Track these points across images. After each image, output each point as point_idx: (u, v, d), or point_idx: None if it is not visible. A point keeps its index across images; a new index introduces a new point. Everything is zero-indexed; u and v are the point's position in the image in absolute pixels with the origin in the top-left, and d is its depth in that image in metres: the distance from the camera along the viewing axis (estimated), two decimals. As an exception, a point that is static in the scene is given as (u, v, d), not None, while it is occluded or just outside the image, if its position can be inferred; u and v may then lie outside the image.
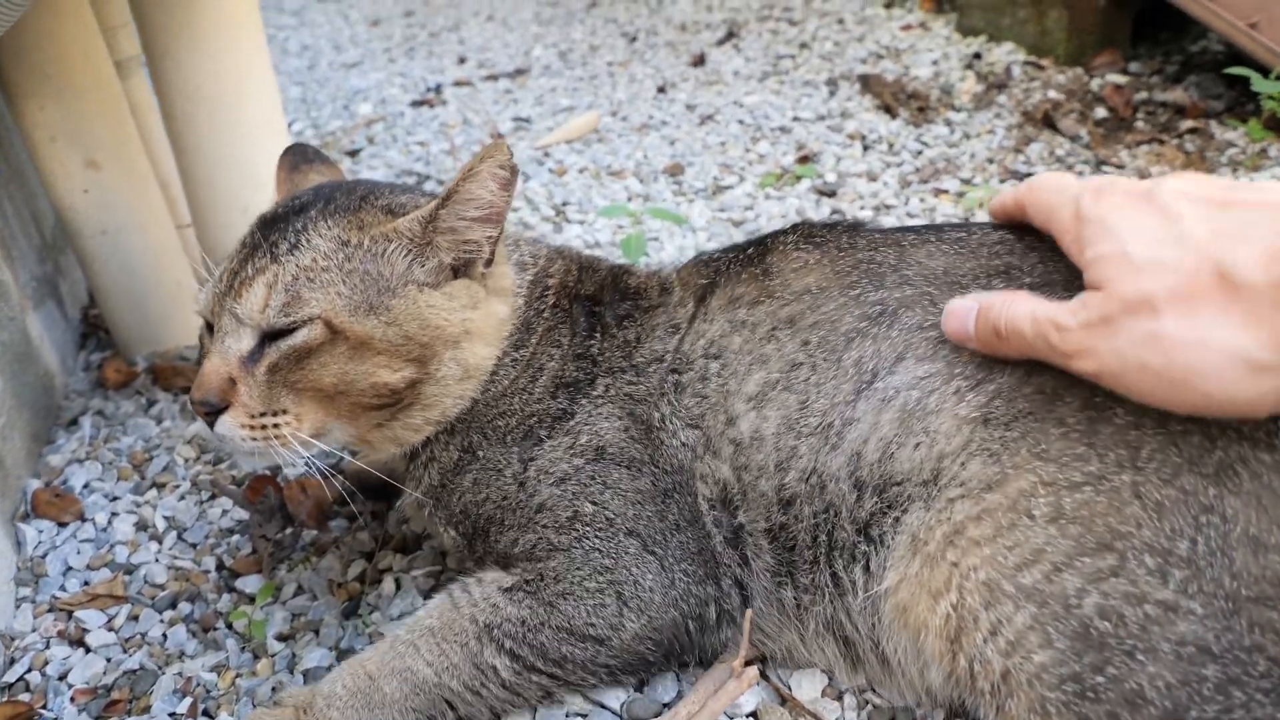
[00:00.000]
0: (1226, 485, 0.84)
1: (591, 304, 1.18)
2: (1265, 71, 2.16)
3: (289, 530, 1.41)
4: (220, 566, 1.38)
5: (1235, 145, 2.21)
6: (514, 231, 1.34)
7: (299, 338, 1.01)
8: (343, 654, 1.18)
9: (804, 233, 1.15)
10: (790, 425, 1.01)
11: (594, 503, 1.04)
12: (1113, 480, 0.86)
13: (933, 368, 0.97)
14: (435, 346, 1.06)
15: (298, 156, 1.33)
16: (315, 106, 3.45)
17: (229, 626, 1.28)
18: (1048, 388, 0.92)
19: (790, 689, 1.03)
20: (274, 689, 1.15)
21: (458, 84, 3.58)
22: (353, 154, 2.93)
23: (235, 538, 1.44)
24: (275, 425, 1.02)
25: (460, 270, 1.10)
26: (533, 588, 1.03)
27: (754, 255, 1.15)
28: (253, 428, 1.02)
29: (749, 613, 1.05)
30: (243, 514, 1.47)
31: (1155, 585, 0.82)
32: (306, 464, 1.06)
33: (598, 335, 1.14)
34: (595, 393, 1.09)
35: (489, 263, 1.11)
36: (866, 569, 0.97)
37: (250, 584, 1.33)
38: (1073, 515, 0.86)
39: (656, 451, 1.06)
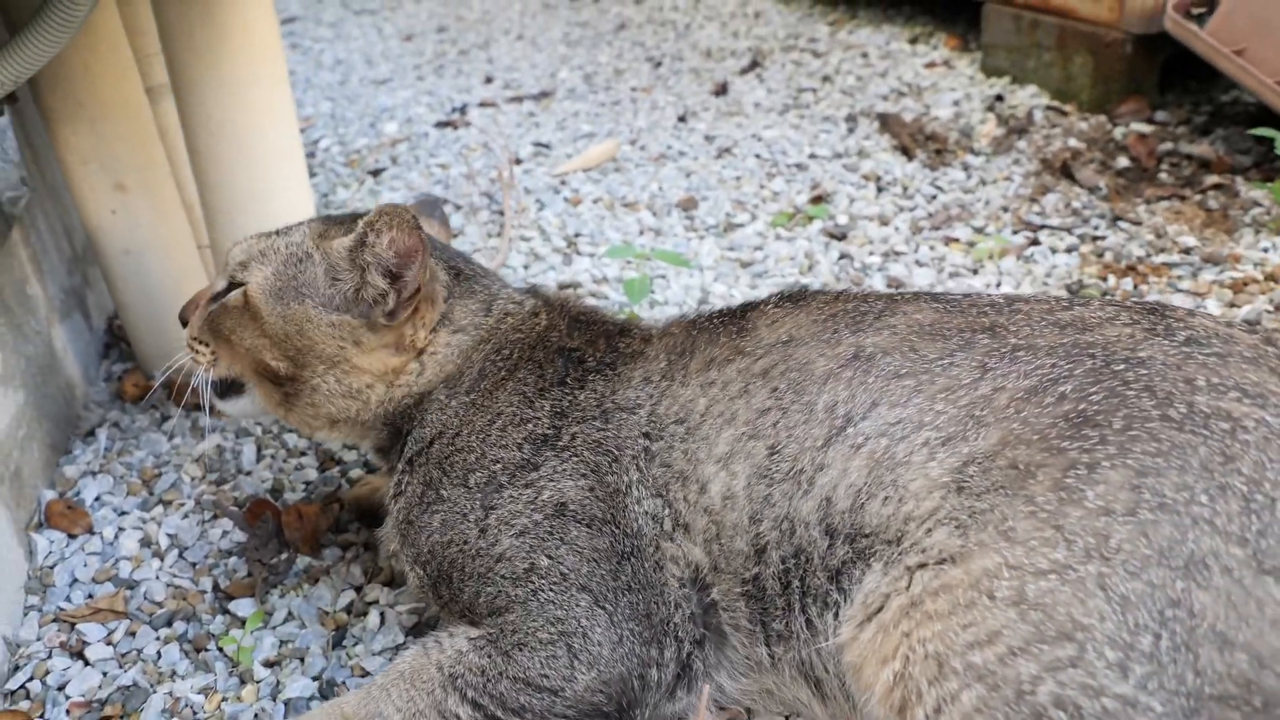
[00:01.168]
0: (1196, 579, 0.83)
1: (575, 355, 1.21)
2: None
3: (284, 555, 1.44)
4: (216, 588, 1.41)
5: (1260, 205, 2.20)
6: (501, 278, 1.37)
7: (231, 296, 1.24)
8: (326, 685, 1.21)
9: (789, 295, 1.18)
10: (761, 473, 1.03)
11: (550, 557, 1.07)
12: (1079, 570, 0.86)
13: (904, 413, 0.98)
14: (308, 358, 1.21)
15: (424, 208, 1.53)
16: (344, 123, 3.50)
17: (220, 649, 1.31)
18: (1021, 462, 0.92)
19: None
20: (256, 716, 1.18)
21: (483, 105, 3.62)
22: (376, 174, 2.98)
23: (233, 559, 1.47)
24: (198, 351, 1.28)
25: (371, 306, 1.19)
26: (494, 638, 1.06)
27: (735, 315, 1.18)
28: (189, 344, 1.30)
29: (705, 690, 1.07)
30: (242, 536, 1.50)
31: (1115, 679, 0.82)
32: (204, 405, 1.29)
33: (569, 385, 1.17)
34: (561, 443, 1.13)
35: (392, 314, 1.19)
36: (836, 616, 0.99)
37: (243, 607, 1.36)
38: (1035, 602, 0.86)
39: (620, 514, 1.09)
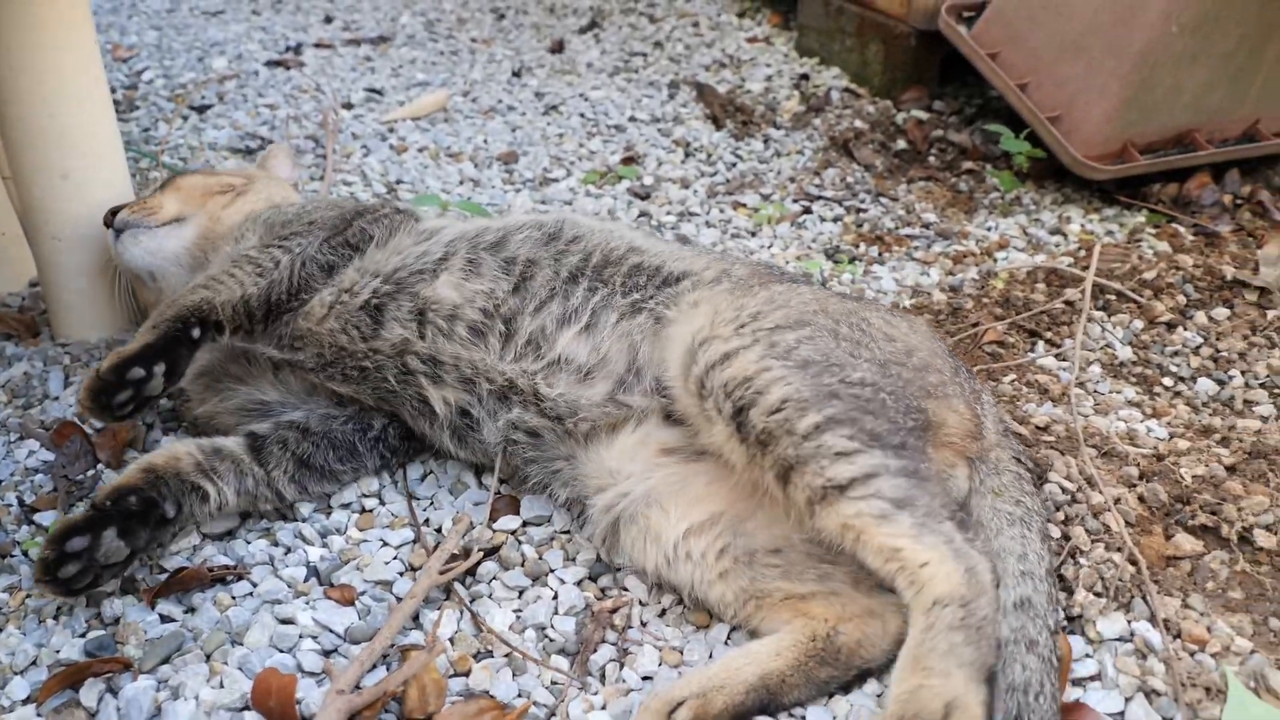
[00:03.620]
0: (871, 309, 1.38)
1: None
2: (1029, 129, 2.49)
3: (90, 472, 1.56)
4: (21, 502, 1.52)
5: (998, 190, 2.54)
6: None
7: None
8: (127, 581, 1.35)
9: None
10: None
11: None
12: (796, 294, 1.38)
13: (694, 258, 1.56)
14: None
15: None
16: (170, 55, 3.47)
17: (24, 554, 1.43)
18: (756, 279, 1.48)
19: (485, 619, 1.25)
20: (59, 608, 1.31)
21: (319, 45, 3.65)
22: (201, 110, 3.00)
23: (39, 476, 1.57)
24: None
25: None
26: None
27: None
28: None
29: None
30: (49, 456, 1.60)
31: (840, 351, 1.26)
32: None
33: None
34: None
35: None
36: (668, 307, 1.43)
37: (49, 519, 1.48)
38: (781, 302, 1.33)
39: None
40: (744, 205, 2.50)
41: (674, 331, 1.36)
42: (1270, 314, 1.87)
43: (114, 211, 1.72)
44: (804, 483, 1.15)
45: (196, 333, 1.44)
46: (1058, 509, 1.36)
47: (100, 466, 1.58)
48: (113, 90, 3.13)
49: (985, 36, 2.58)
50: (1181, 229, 2.30)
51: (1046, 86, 2.46)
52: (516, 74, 3.43)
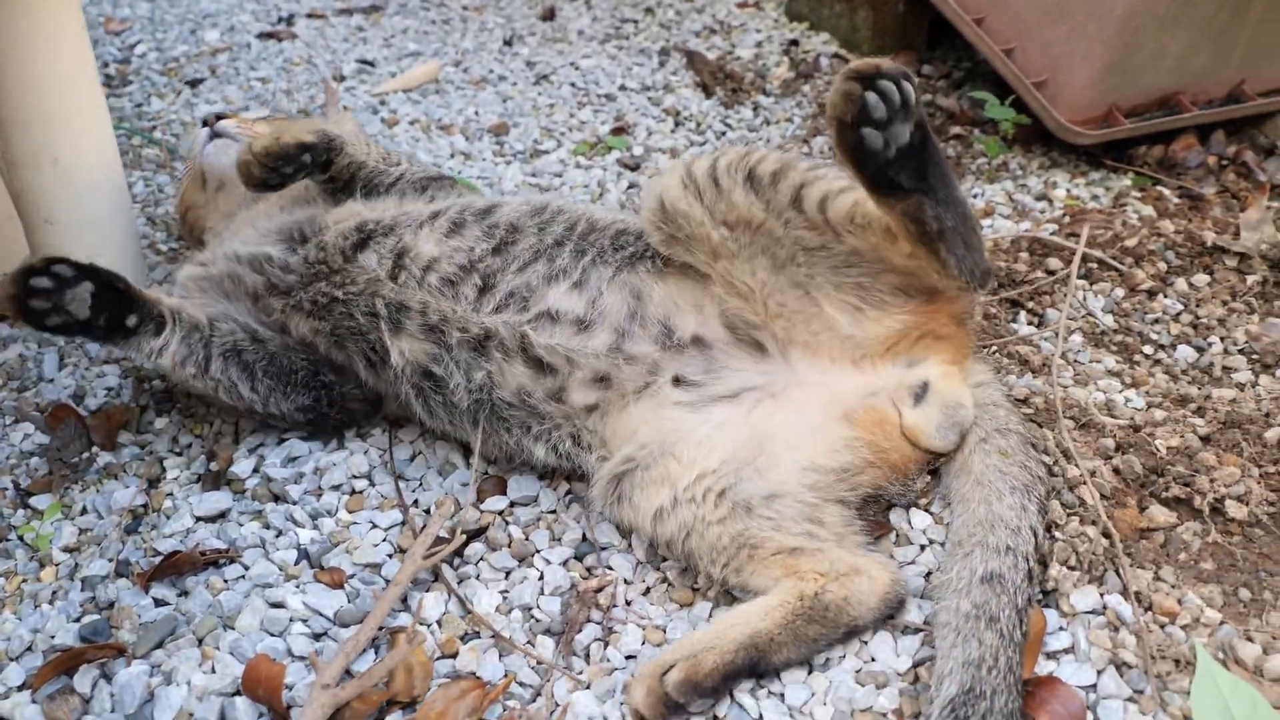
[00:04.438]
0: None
1: None
2: (1009, 97, 2.48)
3: (85, 455, 1.59)
4: (17, 486, 1.55)
5: (985, 156, 2.53)
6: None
7: None
8: (121, 564, 1.38)
9: None
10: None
11: None
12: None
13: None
14: None
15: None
16: (163, 28, 3.45)
17: (20, 539, 1.46)
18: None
19: (471, 602, 1.29)
20: (54, 593, 1.34)
21: (311, 15, 3.63)
22: (194, 84, 3.00)
23: (34, 460, 1.60)
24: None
25: None
26: None
27: None
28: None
29: None
30: (44, 439, 1.63)
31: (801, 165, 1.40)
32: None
33: None
34: None
35: None
36: None
37: (44, 502, 1.51)
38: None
39: None
40: (733, 176, 2.50)
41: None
42: (1250, 279, 1.88)
43: (219, 116, 1.93)
44: (814, 194, 1.32)
45: (319, 156, 1.67)
46: (1033, 482, 1.39)
47: (95, 449, 1.61)
48: (105, 65, 3.13)
49: (970, 1, 2.56)
50: (1166, 191, 2.30)
51: (1031, 51, 2.44)
52: (508, 43, 3.41)
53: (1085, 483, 1.35)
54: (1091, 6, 2.29)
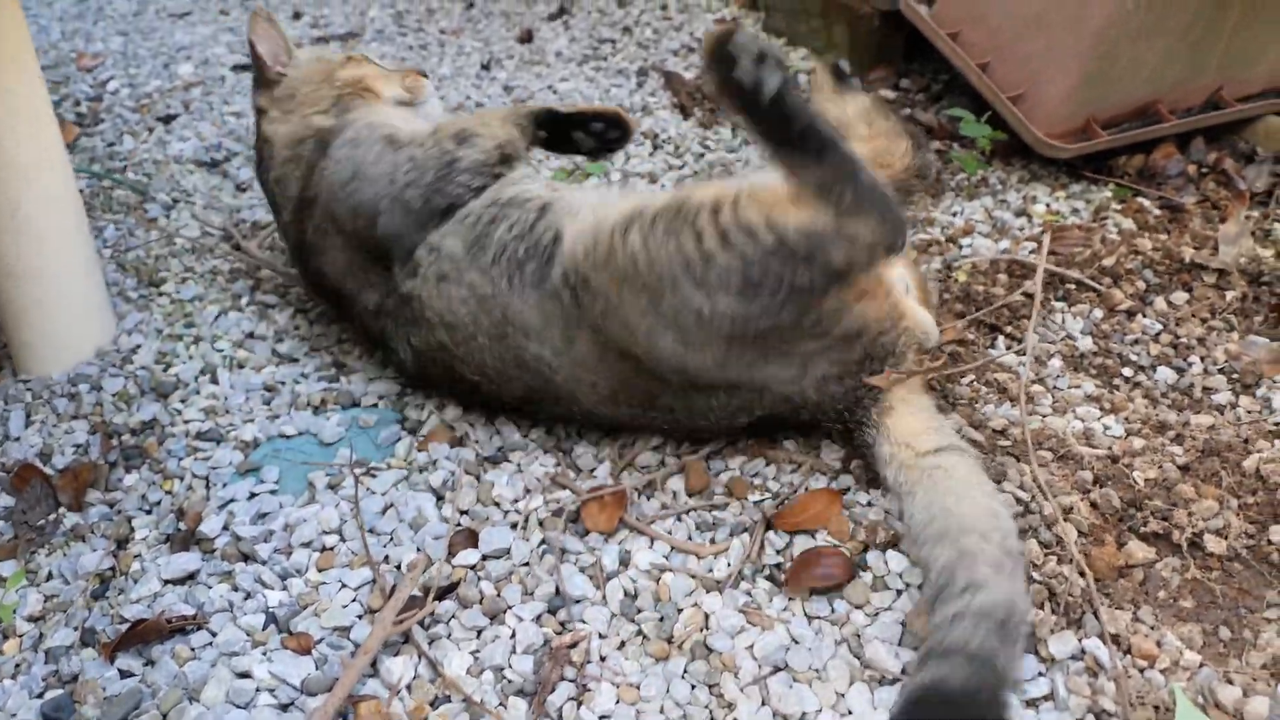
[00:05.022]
0: None
1: None
2: (987, 111, 2.47)
3: (51, 517, 1.57)
4: (-17, 551, 1.53)
5: (964, 172, 2.51)
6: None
7: None
8: (86, 632, 1.36)
9: None
10: None
11: None
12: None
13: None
14: None
15: None
16: (135, 63, 3.44)
17: (-12, 607, 1.44)
18: None
19: (442, 664, 1.26)
20: (17, 666, 1.32)
21: (286, 45, 3.61)
22: (167, 120, 2.98)
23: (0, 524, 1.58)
24: None
25: None
26: None
27: None
28: None
29: None
30: (9, 501, 1.61)
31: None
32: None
33: None
34: None
35: None
36: None
37: (9, 569, 1.49)
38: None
39: None
40: (710, 200, 2.48)
41: None
42: (1229, 295, 1.86)
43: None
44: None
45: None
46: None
47: (62, 510, 1.59)
48: (77, 104, 3.12)
49: (945, 16, 2.55)
50: (1147, 203, 2.28)
51: (1007, 65, 2.43)
52: (485, 67, 3.39)
53: (1061, 520, 1.33)
54: (1067, 20, 2.27)
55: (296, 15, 3.96)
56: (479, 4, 4.04)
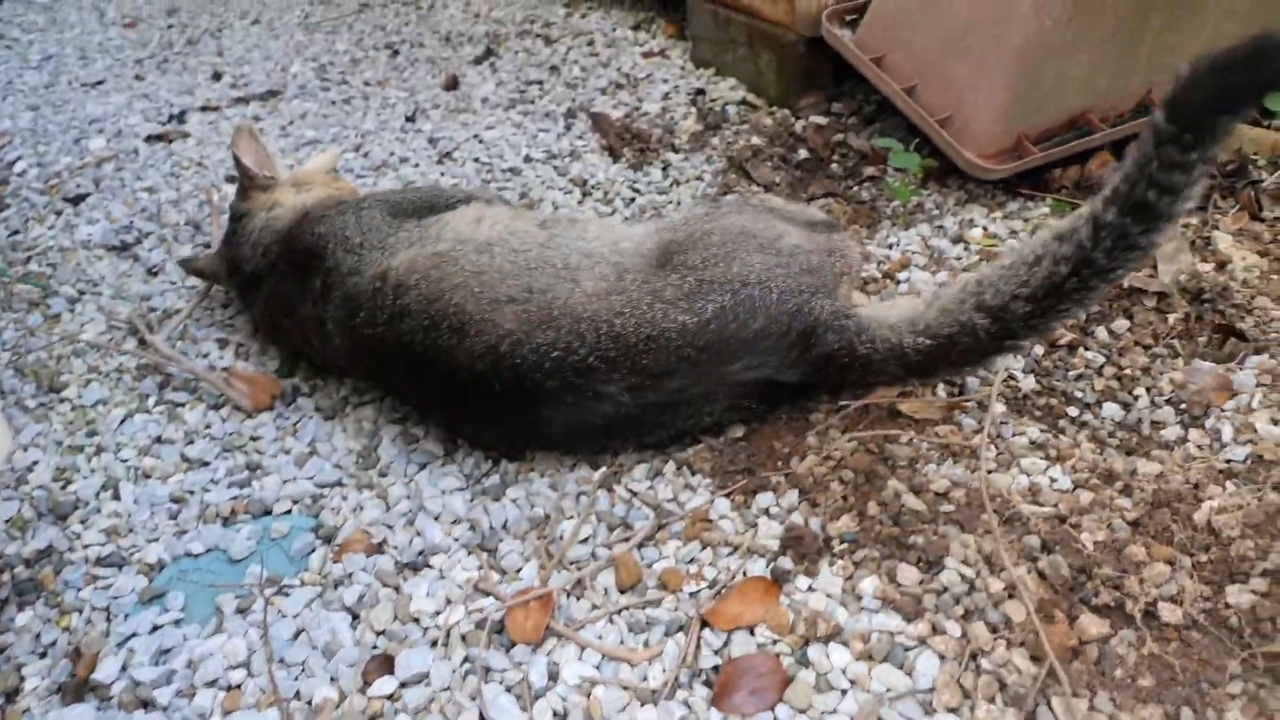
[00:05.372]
0: None
1: None
2: (919, 133, 2.40)
3: (-58, 668, 1.45)
4: None
5: (898, 200, 2.44)
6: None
7: None
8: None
9: None
10: None
11: None
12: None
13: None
14: None
15: None
16: (45, 139, 3.32)
17: None
18: None
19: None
20: None
21: (205, 109, 3.51)
22: (76, 201, 2.86)
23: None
24: None
25: None
26: None
27: None
28: None
29: None
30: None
31: None
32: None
33: None
34: None
35: None
36: None
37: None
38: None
39: None
40: (641, 249, 2.39)
41: None
42: (1171, 318, 1.80)
43: None
44: None
45: None
46: (956, 602, 1.29)
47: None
48: (-18, 190, 2.99)
49: (869, 40, 2.49)
50: (1088, 221, 2.22)
51: (933, 88, 2.37)
52: (410, 119, 3.30)
53: (1010, 596, 1.25)
54: (988, 41, 2.21)
55: (216, 76, 3.85)
56: (404, 50, 3.94)
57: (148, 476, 1.77)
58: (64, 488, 1.76)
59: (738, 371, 1.56)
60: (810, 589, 1.38)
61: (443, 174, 2.87)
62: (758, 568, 1.43)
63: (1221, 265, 1.91)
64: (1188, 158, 1.32)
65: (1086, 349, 1.76)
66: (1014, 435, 1.60)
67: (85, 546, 1.63)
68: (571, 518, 1.57)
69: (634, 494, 1.59)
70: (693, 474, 1.61)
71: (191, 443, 1.86)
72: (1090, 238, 1.39)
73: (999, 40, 2.19)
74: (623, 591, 1.43)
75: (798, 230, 1.76)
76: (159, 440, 1.86)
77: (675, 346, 1.51)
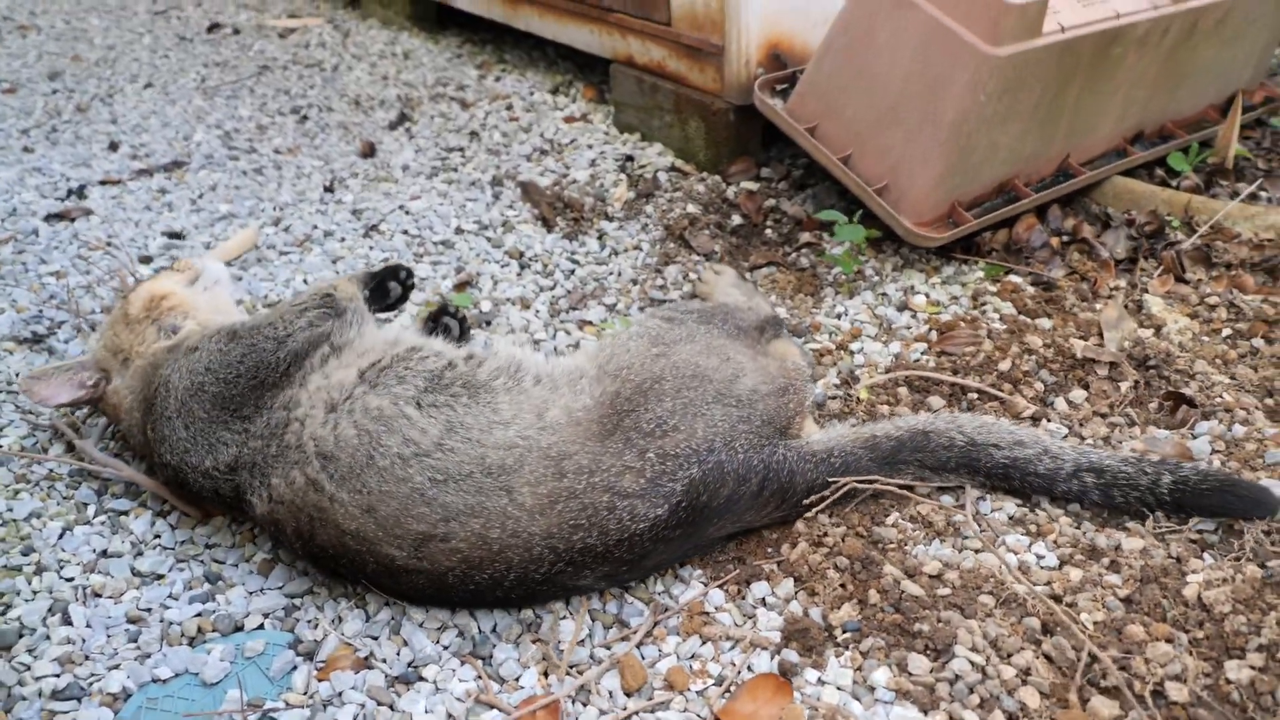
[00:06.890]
0: None
1: None
2: (854, 200, 2.46)
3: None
4: None
5: (839, 267, 2.49)
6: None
7: None
8: None
9: None
10: None
11: None
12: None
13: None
14: None
15: None
16: (-68, 223, 3.10)
17: None
18: None
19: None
20: None
21: (105, 183, 3.34)
22: (-24, 291, 2.67)
23: None
24: None
25: None
26: None
27: None
28: None
29: None
30: None
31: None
32: None
33: None
34: None
35: None
36: None
37: None
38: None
39: None
40: (590, 323, 2.38)
41: None
42: (1123, 386, 1.88)
43: None
44: None
45: None
46: (970, 690, 1.30)
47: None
48: None
49: (801, 110, 2.54)
50: (1019, 279, 2.31)
51: (869, 157, 2.43)
52: (329, 189, 3.21)
53: (1025, 683, 1.27)
54: (922, 114, 2.29)
55: (113, 146, 3.67)
56: (313, 115, 3.85)
57: (98, 595, 1.65)
58: (3, 614, 1.62)
59: (713, 533, 1.55)
60: (820, 682, 1.37)
61: (371, 248, 2.80)
62: (762, 661, 1.42)
63: (1158, 329, 2.01)
64: None
65: (1049, 420, 1.82)
66: (992, 511, 1.63)
67: (37, 679, 1.49)
68: (565, 617, 1.52)
69: (625, 589, 1.56)
70: (682, 565, 1.59)
71: (141, 554, 1.73)
72: None
73: (933, 113, 2.27)
74: (629, 694, 1.40)
75: (751, 364, 1.67)
76: (105, 554, 1.73)
77: (648, 540, 1.45)
